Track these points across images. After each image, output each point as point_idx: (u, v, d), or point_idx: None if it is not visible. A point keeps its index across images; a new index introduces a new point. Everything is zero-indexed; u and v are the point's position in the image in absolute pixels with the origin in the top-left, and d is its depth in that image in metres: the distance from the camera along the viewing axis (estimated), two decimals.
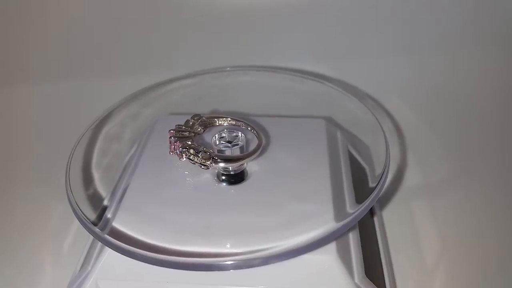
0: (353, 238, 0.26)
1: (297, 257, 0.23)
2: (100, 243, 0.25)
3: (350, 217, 0.24)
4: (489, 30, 0.44)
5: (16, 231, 0.34)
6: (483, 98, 0.44)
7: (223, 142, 0.27)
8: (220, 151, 0.27)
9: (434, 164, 0.39)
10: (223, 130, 0.28)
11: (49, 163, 0.39)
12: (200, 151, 0.26)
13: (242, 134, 0.28)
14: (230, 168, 0.27)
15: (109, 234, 0.24)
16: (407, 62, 0.45)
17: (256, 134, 0.28)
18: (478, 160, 0.39)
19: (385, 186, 0.29)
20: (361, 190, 0.29)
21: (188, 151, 0.27)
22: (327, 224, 0.24)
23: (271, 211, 0.25)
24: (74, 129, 0.32)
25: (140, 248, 0.22)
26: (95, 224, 0.25)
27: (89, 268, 0.25)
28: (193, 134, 0.28)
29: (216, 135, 0.28)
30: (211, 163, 0.26)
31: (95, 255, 0.26)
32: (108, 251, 0.24)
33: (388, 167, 0.27)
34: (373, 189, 0.25)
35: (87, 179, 0.31)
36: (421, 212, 0.34)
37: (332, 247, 0.24)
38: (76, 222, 0.25)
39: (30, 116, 0.45)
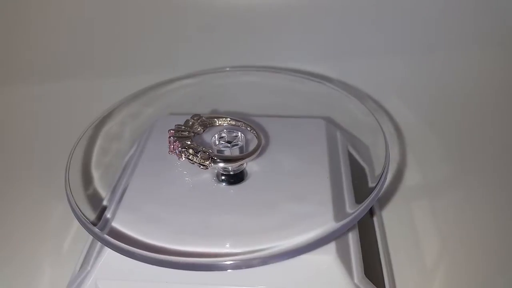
0: (352, 238, 0.26)
1: (296, 257, 0.23)
2: (99, 243, 0.25)
3: (350, 217, 0.24)
4: (489, 30, 0.44)
5: (15, 231, 0.34)
6: (483, 98, 0.44)
7: (223, 142, 0.27)
8: (219, 151, 0.27)
9: (434, 164, 0.39)
10: (223, 130, 0.28)
11: (49, 163, 0.39)
12: (199, 151, 0.26)
13: (242, 134, 0.28)
14: (230, 168, 0.27)
15: (108, 234, 0.24)
16: (407, 62, 0.45)
17: (255, 134, 0.28)
18: (478, 160, 0.39)
19: (385, 186, 0.29)
20: (360, 190, 0.29)
21: (187, 151, 0.27)
22: (327, 224, 0.24)
23: (271, 211, 0.25)
24: (74, 128, 0.32)
25: (139, 248, 0.22)
26: (94, 224, 0.25)
27: (89, 268, 0.25)
28: (192, 134, 0.28)
29: (216, 135, 0.28)
30: (210, 163, 0.26)
31: (94, 255, 0.26)
32: (108, 251, 0.24)
33: (388, 167, 0.27)
34: (373, 189, 0.25)
35: (87, 179, 0.31)
36: (421, 212, 0.34)
37: (331, 247, 0.24)
38: (76, 222, 0.25)
39: (30, 116, 0.45)
